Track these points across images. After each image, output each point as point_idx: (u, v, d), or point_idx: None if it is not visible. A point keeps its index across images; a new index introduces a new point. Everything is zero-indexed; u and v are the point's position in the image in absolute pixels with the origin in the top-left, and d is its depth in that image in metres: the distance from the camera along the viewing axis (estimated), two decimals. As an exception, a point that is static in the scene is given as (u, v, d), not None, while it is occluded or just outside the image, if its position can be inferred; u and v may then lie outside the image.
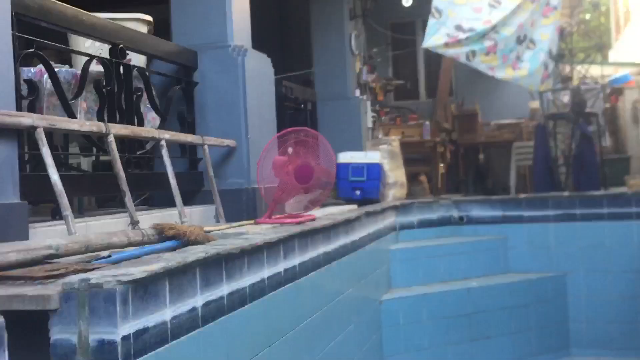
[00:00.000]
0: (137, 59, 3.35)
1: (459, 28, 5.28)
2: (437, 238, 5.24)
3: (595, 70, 8.07)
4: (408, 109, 8.57)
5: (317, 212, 4.15)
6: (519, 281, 4.96)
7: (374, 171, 5.07)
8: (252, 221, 3.14)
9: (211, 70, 3.56)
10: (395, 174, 6.03)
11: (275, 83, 4.49)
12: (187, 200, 3.50)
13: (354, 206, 4.64)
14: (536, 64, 5.61)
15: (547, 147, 5.81)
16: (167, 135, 2.82)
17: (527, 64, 5.54)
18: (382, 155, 5.97)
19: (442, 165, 6.83)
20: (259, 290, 2.39)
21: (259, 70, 3.70)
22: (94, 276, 1.53)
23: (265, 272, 2.45)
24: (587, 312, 5.00)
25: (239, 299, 2.22)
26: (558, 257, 5.09)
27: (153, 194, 3.66)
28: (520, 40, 5.49)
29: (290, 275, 2.71)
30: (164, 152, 2.78)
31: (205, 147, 3.18)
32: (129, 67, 2.91)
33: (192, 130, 3.49)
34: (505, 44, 5.40)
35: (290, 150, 3.25)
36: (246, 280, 2.26)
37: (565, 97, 6.27)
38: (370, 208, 4.32)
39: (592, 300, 5.06)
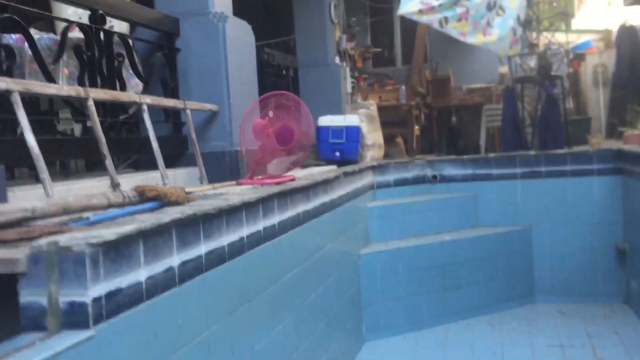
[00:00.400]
0: (120, 26, 3.17)
1: (432, -5, 5.11)
2: (412, 196, 5.14)
3: (560, 37, 7.93)
4: (385, 75, 8.40)
5: (298, 173, 4.04)
6: (488, 234, 4.88)
7: (353, 134, 4.94)
8: (234, 182, 3.01)
9: (193, 37, 3.39)
10: (373, 136, 5.90)
11: (257, 50, 4.32)
12: (172, 163, 3.36)
13: (334, 167, 4.52)
14: (505, 30, 5.45)
15: (514, 109, 5.69)
16: (148, 99, 2.67)
17: (496, 30, 5.37)
18: (360, 118, 5.84)
19: (417, 127, 6.71)
20: (238, 248, 2.28)
21: (239, 37, 3.53)
22: (63, 239, 1.40)
23: (245, 230, 2.34)
24: (550, 262, 4.96)
25: (217, 258, 2.11)
26: (524, 212, 5.02)
27: (140, 157, 3.51)
28: (490, 7, 5.32)
29: (270, 234, 2.60)
30: (146, 116, 2.63)
31: (188, 111, 3.03)
32: (109, 33, 2.73)
33: (175, 96, 3.33)
34: (476, 11, 5.23)
35: (271, 113, 3.11)
36: (224, 239, 2.15)
37: (532, 62, 6.14)
38: (348, 169, 4.20)
39: (555, 251, 5.01)
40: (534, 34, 6.65)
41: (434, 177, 5.26)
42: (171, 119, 3.35)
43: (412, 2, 5.07)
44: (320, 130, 4.93)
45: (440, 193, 5.22)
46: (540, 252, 4.99)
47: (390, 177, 5.12)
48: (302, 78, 5.68)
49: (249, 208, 2.37)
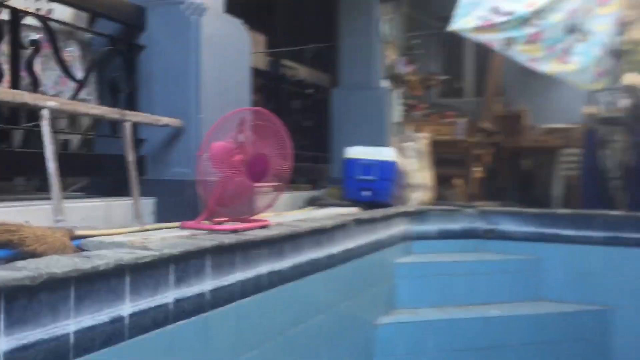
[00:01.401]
0: (63, 13, 2.49)
1: (495, 10, 4.18)
2: (459, 253, 4.17)
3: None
4: (451, 106, 7.46)
5: (302, 214, 3.20)
6: (551, 312, 3.83)
7: (387, 170, 4.06)
8: (178, 224, 2.22)
9: (161, 31, 2.65)
10: (422, 175, 5.00)
11: (273, 61, 3.57)
12: (121, 191, 2.61)
13: (354, 210, 3.66)
14: (589, 59, 4.45)
15: (595, 157, 4.65)
16: (52, 103, 1.93)
17: (577, 58, 4.37)
18: (406, 153, 4.96)
19: (478, 169, 5.74)
20: (108, 336, 1.46)
21: (222, 35, 2.76)
22: None
23: (127, 307, 1.52)
24: (636, 357, 3.84)
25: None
26: (603, 288, 3.92)
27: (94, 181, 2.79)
28: (569, 30, 4.34)
29: (190, 308, 1.77)
30: (45, 126, 1.89)
31: (127, 125, 2.27)
32: (16, 14, 2.04)
33: (131, 104, 2.59)
34: (551, 33, 4.26)
35: (241, 137, 2.31)
36: (66, 326, 1.34)
37: (624, 100, 5.06)
38: (365, 215, 3.32)
39: (642, 342, 3.89)
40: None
41: (488, 232, 4.28)
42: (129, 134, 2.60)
43: (468, 17, 4.16)
44: (347, 164, 4.08)
45: (494, 253, 4.22)
46: (623, 343, 3.87)
47: (431, 227, 4.18)
48: (337, 100, 4.87)
49: (142, 270, 1.56)
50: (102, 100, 2.58)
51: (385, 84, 5.27)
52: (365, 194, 4.00)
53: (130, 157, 2.24)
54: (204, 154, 2.23)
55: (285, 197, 3.74)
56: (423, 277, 3.83)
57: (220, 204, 2.29)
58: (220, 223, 2.29)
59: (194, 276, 1.78)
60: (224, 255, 1.94)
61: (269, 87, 3.77)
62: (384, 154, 4.09)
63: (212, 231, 2.14)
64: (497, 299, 3.91)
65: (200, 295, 1.81)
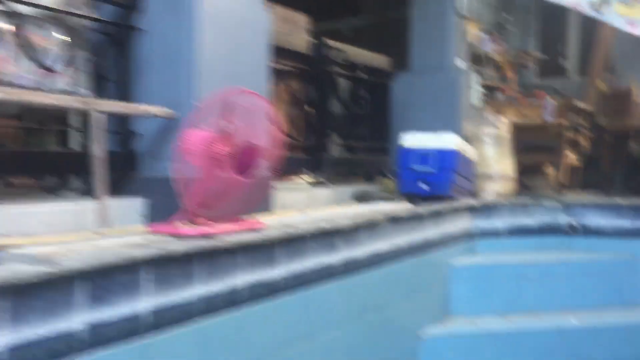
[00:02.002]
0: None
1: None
2: (533, 252, 3.60)
3: None
4: (550, 87, 6.68)
5: (329, 212, 2.82)
6: (645, 324, 3.20)
7: (447, 160, 3.56)
8: (145, 228, 1.93)
9: (156, 10, 2.38)
10: (501, 164, 4.42)
11: (317, 42, 3.22)
12: (115, 190, 2.38)
13: (405, 205, 3.23)
14: None
15: None
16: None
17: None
18: (484, 140, 4.41)
19: (572, 156, 5.02)
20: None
21: (232, 13, 2.44)
22: None
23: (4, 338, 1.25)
24: None
25: None
26: None
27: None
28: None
29: (120, 331, 1.47)
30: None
31: (94, 115, 2.01)
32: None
33: (123, 94, 2.35)
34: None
35: (226, 124, 1.98)
36: None
37: None
38: (404, 211, 2.86)
39: None
40: None
41: (572, 227, 3.66)
42: (123, 127, 2.37)
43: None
44: (402, 154, 3.63)
45: (578, 251, 3.60)
46: None
47: (500, 223, 3.64)
48: (401, 83, 4.40)
49: (28, 291, 1.28)
50: (95, 91, 2.35)
51: (461, 63, 4.71)
52: (422, 186, 3.53)
53: (97, 150, 1.98)
54: (181, 146, 1.92)
55: (325, 192, 3.38)
56: (486, 280, 3.32)
57: (203, 204, 1.99)
58: (204, 226, 1.99)
59: (121, 294, 1.48)
60: (173, 266, 1.62)
61: (311, 72, 3.41)
62: (445, 141, 3.59)
63: (180, 236, 1.84)
64: (576, 306, 3.32)
65: (132, 318, 1.51)
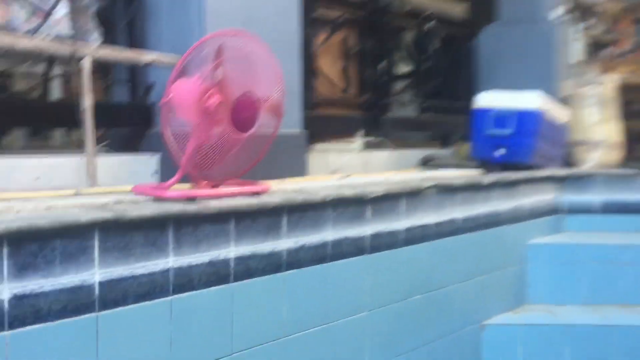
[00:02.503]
0: None
1: None
2: (634, 234, 3.02)
3: None
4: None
5: (404, 176, 2.45)
6: None
7: (528, 122, 3.05)
8: (129, 189, 1.68)
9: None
10: (605, 129, 3.81)
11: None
12: (128, 146, 2.17)
13: (475, 172, 2.80)
14: None
15: None
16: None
17: None
18: (585, 101, 3.82)
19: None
20: None
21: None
22: None
23: None
24: None
25: None
26: None
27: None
28: None
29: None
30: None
31: (85, 60, 1.77)
32: None
33: (133, 40, 2.11)
34: None
35: (218, 72, 1.68)
36: None
37: None
38: (461, 179, 2.43)
39: None
40: None
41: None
42: (134, 78, 2.14)
43: None
44: (476, 115, 3.16)
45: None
46: None
47: (594, 197, 3.09)
48: (486, 37, 3.87)
49: None
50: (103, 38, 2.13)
51: (560, 15, 4.09)
52: (498, 152, 3.06)
53: (86, 102, 1.75)
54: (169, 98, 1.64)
55: (384, 156, 3.00)
56: (572, 263, 2.82)
57: (198, 163, 1.71)
58: (198, 187, 1.72)
59: (56, 263, 1.23)
60: (131, 233, 1.35)
61: (370, 22, 3.02)
62: (526, 100, 3.07)
63: (161, 199, 1.57)
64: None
65: (71, 290, 1.26)
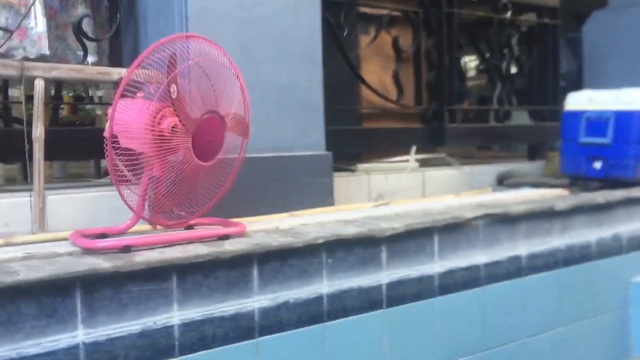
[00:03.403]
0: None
1: None
2: None
3: None
4: None
5: (464, 200, 2.00)
6: None
7: (632, 127, 2.44)
8: (66, 235, 1.39)
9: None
10: None
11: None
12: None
13: (562, 192, 2.25)
14: None
15: None
16: None
17: None
18: None
19: None
20: None
21: None
22: None
23: None
24: None
25: None
26: None
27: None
28: None
29: None
30: None
31: (37, 82, 1.52)
32: None
33: (116, 54, 1.85)
34: None
35: (173, 89, 1.35)
36: None
37: None
38: (529, 205, 1.91)
39: None
40: None
41: None
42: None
43: None
44: (565, 120, 2.59)
45: None
46: None
47: None
48: (592, 27, 3.23)
49: None
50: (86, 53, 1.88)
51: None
52: (594, 166, 2.47)
53: (37, 130, 1.49)
54: (112, 122, 1.34)
55: (447, 174, 2.53)
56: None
57: (155, 203, 1.39)
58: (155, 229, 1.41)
59: None
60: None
61: (428, 16, 2.56)
62: (628, 99, 2.46)
63: (88, 251, 1.27)
64: None
65: None
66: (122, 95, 1.33)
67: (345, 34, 2.36)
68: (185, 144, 1.37)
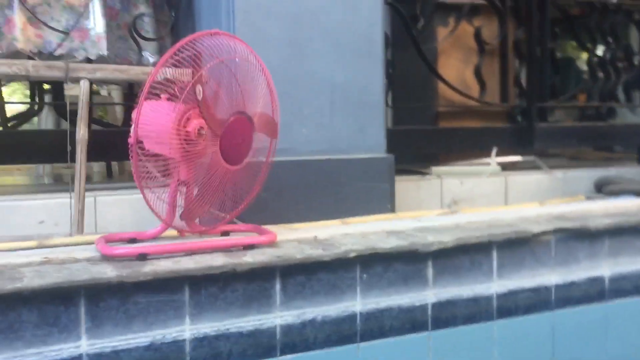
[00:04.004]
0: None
1: None
2: None
3: None
4: None
5: (542, 209, 1.82)
6: None
7: None
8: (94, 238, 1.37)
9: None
10: None
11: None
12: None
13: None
14: None
15: None
16: None
17: None
18: None
19: None
20: None
21: None
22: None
23: None
24: None
25: None
26: None
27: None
28: None
29: None
30: None
31: (83, 83, 1.53)
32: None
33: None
34: None
35: (199, 90, 1.30)
36: None
37: None
38: (602, 218, 1.66)
39: None
40: None
41: None
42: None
43: None
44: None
45: None
46: None
47: None
48: None
49: None
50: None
51: None
52: None
53: (80, 131, 1.50)
54: (136, 127, 1.31)
55: (535, 179, 2.29)
56: None
57: (190, 206, 1.35)
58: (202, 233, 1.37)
59: None
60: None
61: (514, 1, 2.33)
62: None
63: (106, 257, 1.25)
64: None
65: None
66: (147, 98, 1.29)
67: (420, 25, 2.22)
68: (212, 147, 1.31)
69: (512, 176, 2.26)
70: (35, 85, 2.38)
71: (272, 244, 1.35)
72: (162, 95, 1.30)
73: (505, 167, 2.29)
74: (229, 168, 1.33)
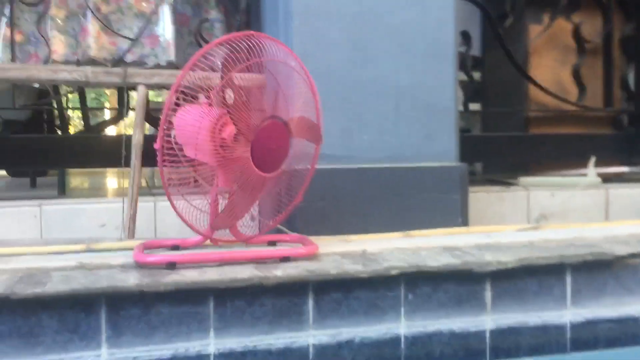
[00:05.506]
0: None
1: None
2: None
3: None
4: None
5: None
6: None
7: None
8: (119, 239, 1.36)
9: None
10: None
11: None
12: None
13: None
14: None
15: None
16: None
17: None
18: None
19: None
20: None
21: None
22: None
23: None
24: None
25: None
26: None
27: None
28: None
29: None
30: None
31: (140, 89, 1.53)
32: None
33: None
34: None
35: (229, 95, 1.26)
36: None
37: None
38: None
39: None
40: None
41: None
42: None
43: None
44: None
45: None
46: None
47: None
48: None
49: None
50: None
51: None
52: None
53: (135, 137, 1.52)
54: (167, 132, 1.30)
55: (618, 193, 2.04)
56: None
57: (228, 214, 1.32)
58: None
59: None
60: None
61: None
62: None
63: (139, 265, 1.24)
64: None
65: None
66: (176, 103, 1.27)
67: (508, 24, 2.05)
68: (244, 153, 1.26)
69: (615, 189, 2.03)
70: (122, 91, 2.48)
71: (310, 256, 1.28)
72: (194, 99, 1.28)
73: (607, 178, 2.06)
74: (263, 175, 1.27)
